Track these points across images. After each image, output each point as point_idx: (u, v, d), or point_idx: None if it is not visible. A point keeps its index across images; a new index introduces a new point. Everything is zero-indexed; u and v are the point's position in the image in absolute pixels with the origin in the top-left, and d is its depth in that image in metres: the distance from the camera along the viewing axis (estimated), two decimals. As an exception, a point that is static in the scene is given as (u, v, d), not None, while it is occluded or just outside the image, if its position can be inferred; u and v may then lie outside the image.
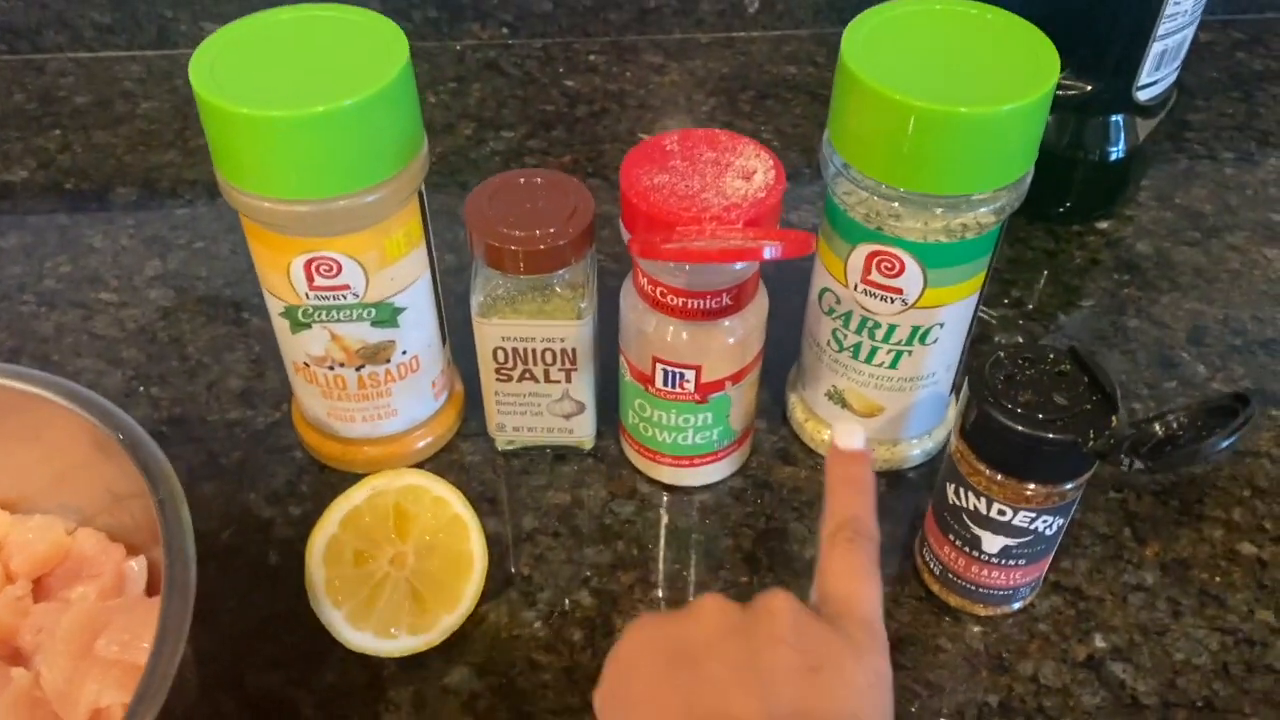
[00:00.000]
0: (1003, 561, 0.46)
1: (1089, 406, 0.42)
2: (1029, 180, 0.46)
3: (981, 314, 0.63)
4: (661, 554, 0.52)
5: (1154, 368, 0.61)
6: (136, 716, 0.36)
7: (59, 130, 0.78)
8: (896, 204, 0.45)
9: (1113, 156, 0.67)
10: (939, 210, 0.45)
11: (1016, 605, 0.49)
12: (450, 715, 0.46)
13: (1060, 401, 0.42)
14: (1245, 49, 0.87)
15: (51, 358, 0.61)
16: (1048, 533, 0.45)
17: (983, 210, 0.45)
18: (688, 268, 0.46)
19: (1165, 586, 0.51)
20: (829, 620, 0.36)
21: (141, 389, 0.60)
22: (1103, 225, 0.70)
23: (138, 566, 0.47)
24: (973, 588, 0.48)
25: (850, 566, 0.38)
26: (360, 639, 0.46)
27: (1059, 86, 0.64)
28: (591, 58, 0.85)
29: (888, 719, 0.35)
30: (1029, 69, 0.43)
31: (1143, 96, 0.64)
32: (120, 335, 0.63)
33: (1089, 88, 0.64)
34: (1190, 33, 0.64)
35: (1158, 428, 0.41)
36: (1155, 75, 0.63)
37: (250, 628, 0.49)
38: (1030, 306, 0.65)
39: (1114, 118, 0.65)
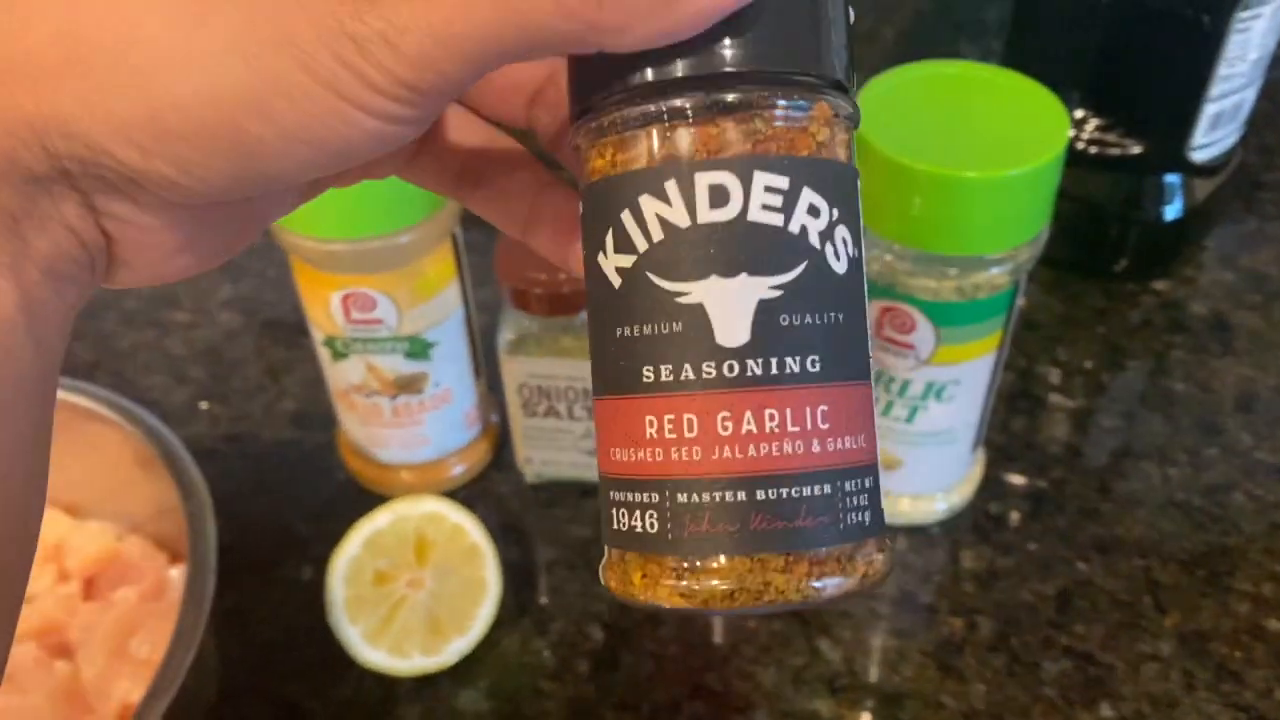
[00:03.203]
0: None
1: None
2: (1044, 239, 0.46)
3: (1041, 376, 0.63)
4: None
5: (1195, 433, 0.60)
6: (145, 711, 0.39)
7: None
8: (909, 263, 0.46)
9: (1168, 217, 0.66)
10: (952, 271, 0.45)
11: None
12: (455, 736, 0.48)
13: None
14: (1332, 107, 0.84)
15: (125, 373, 0.65)
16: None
17: (995, 271, 0.45)
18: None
19: (1181, 658, 0.50)
20: None
21: (204, 406, 0.64)
22: (1159, 286, 0.69)
23: (178, 574, 0.51)
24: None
25: None
26: (375, 656, 0.49)
27: (1110, 145, 0.64)
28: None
29: None
30: (1040, 131, 0.43)
31: (1198, 157, 0.63)
32: (189, 354, 0.67)
33: (1139, 149, 0.63)
34: (1251, 94, 0.63)
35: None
36: (1211, 136, 0.62)
37: (277, 638, 0.52)
38: (1071, 366, 0.64)
39: (1169, 178, 0.64)
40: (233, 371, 0.66)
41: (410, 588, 0.50)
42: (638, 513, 0.22)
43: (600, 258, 0.23)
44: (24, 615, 0.49)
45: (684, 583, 0.22)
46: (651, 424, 0.22)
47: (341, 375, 0.53)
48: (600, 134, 0.23)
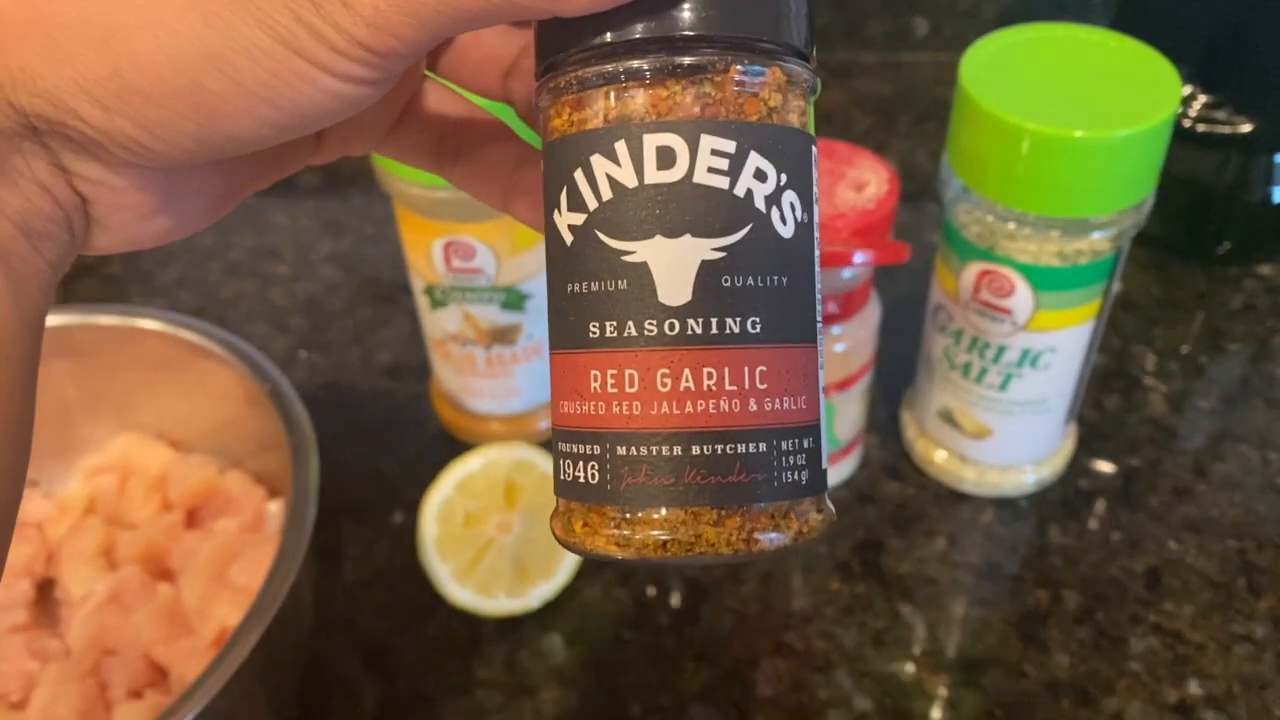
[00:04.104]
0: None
1: None
2: (1148, 207, 0.46)
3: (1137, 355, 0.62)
4: (757, 552, 0.54)
5: (1298, 419, 0.59)
6: (244, 632, 0.40)
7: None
8: (1012, 225, 0.45)
9: (1277, 199, 0.64)
10: (1054, 233, 0.45)
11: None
12: (538, 677, 0.49)
13: None
14: None
15: (228, 321, 0.67)
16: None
17: (1097, 235, 0.45)
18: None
19: (1275, 641, 0.49)
20: None
21: (303, 354, 0.66)
22: (1264, 270, 0.68)
23: (276, 508, 0.52)
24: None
25: None
26: (462, 595, 0.50)
27: (1218, 123, 0.63)
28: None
29: None
30: (1149, 94, 0.43)
31: (1311, 137, 0.62)
32: (290, 305, 0.69)
33: (1249, 127, 0.61)
34: (1370, 74, 0.61)
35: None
36: (1326, 116, 0.61)
37: (368, 577, 0.54)
38: (1169, 347, 0.63)
39: (1278, 158, 0.63)
40: (331, 323, 0.68)
41: (499, 531, 0.51)
42: (581, 464, 0.23)
43: (556, 215, 0.23)
44: (128, 541, 0.51)
45: (621, 532, 0.22)
46: (595, 378, 0.23)
47: (439, 324, 0.54)
48: (559, 93, 0.23)
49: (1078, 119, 0.42)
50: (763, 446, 0.22)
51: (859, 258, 0.42)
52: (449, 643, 0.51)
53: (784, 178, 0.23)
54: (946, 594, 0.52)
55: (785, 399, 0.23)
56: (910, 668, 0.49)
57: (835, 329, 0.49)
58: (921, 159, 0.78)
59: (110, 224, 0.24)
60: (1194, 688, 0.47)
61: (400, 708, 0.49)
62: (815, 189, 0.24)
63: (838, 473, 0.56)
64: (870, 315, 0.51)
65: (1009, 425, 0.52)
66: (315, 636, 0.51)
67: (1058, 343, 0.48)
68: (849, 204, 0.46)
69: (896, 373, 0.59)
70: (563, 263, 0.23)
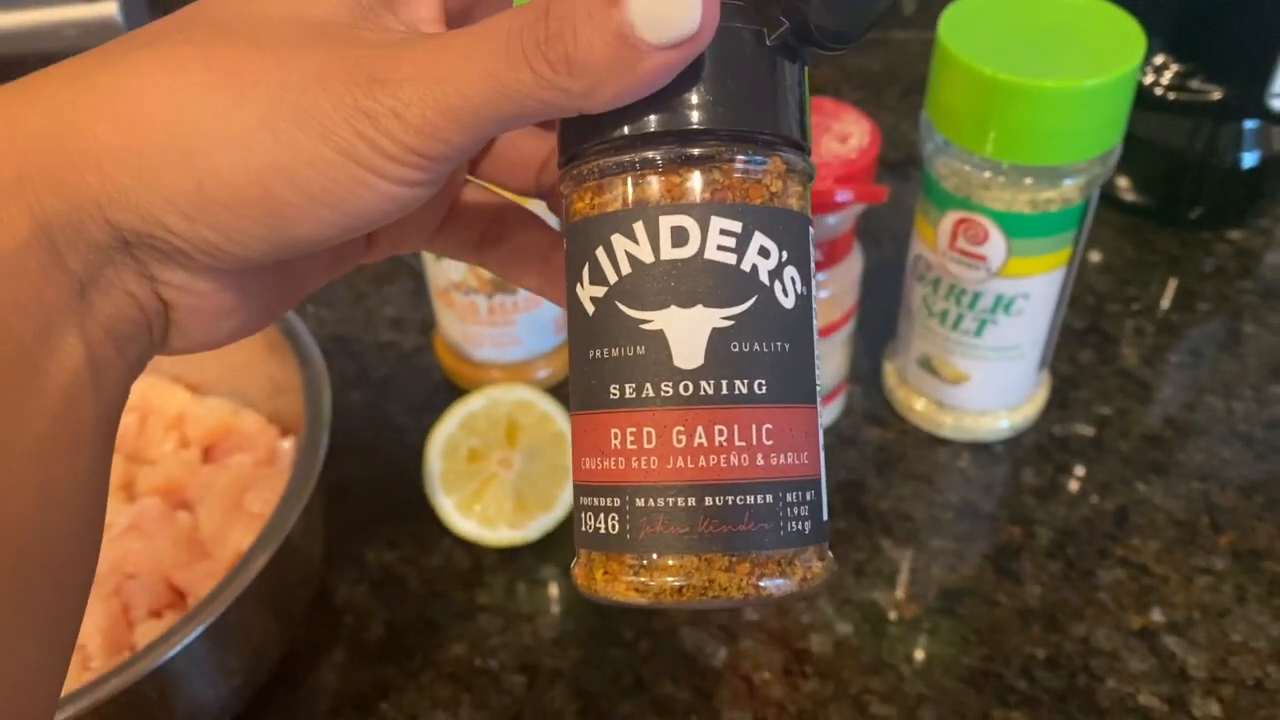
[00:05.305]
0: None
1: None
2: (1115, 158, 0.48)
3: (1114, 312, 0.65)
4: (745, 491, 0.56)
5: (1262, 373, 0.61)
6: (256, 551, 0.43)
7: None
8: (987, 174, 0.48)
9: (1245, 164, 0.67)
10: (1027, 181, 0.48)
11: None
12: (535, 603, 0.52)
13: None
14: None
15: (240, 275, 0.70)
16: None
17: (1067, 183, 0.48)
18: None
19: (1234, 573, 0.52)
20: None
21: (311, 309, 0.68)
22: (1234, 235, 0.71)
23: (288, 445, 0.55)
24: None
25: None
26: (465, 525, 0.52)
27: (1189, 91, 0.65)
28: (749, 51, 0.90)
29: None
30: (1116, 49, 0.46)
31: (1278, 105, 0.64)
32: (299, 262, 0.71)
33: (1218, 94, 0.64)
34: (1335, 44, 0.63)
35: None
36: (1292, 84, 0.64)
37: (375, 513, 0.56)
38: (1141, 306, 0.66)
39: (1247, 125, 0.66)
40: (337, 280, 0.70)
41: (500, 466, 0.53)
42: (602, 515, 0.25)
43: (578, 289, 0.26)
44: (148, 475, 0.54)
45: (639, 578, 0.24)
46: (616, 436, 0.25)
47: (443, 273, 0.57)
48: (581, 180, 0.25)
49: (1048, 71, 0.45)
50: (769, 498, 0.24)
51: (841, 195, 0.45)
52: (452, 572, 0.53)
53: (785, 254, 0.25)
54: (924, 530, 0.54)
55: (789, 454, 0.25)
56: (889, 596, 0.52)
57: (819, 275, 0.52)
58: (907, 130, 0.80)
59: (189, 326, 0.26)
60: (1157, 615, 0.50)
61: (406, 632, 0.51)
62: (813, 265, 0.26)
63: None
64: (853, 264, 0.53)
65: (984, 371, 0.55)
66: (325, 565, 0.53)
67: (1030, 289, 0.51)
68: (833, 154, 0.48)
69: (879, 328, 0.62)
70: (585, 331, 0.25)
